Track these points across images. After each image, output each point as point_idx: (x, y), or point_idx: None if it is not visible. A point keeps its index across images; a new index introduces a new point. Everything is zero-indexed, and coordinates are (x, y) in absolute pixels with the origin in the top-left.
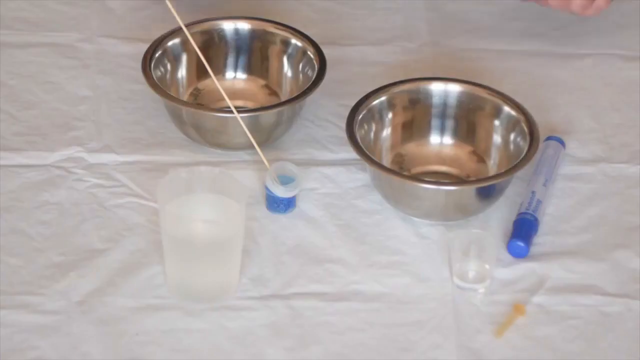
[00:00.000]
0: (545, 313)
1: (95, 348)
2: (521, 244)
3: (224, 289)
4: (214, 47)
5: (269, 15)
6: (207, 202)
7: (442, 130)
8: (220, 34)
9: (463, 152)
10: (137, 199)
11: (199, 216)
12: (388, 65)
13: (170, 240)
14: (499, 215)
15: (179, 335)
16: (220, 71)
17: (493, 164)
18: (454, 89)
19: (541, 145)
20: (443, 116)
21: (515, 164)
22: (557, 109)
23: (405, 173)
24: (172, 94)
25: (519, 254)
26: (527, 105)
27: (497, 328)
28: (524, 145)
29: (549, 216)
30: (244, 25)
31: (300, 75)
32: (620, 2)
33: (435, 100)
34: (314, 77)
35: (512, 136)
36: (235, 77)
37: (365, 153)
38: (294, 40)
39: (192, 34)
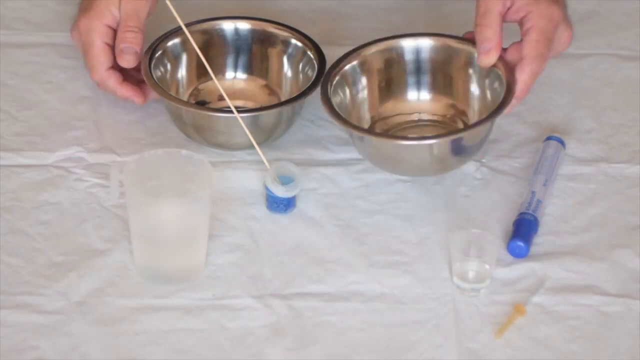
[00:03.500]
0: (545, 313)
1: (95, 348)
2: (521, 244)
3: (189, 273)
4: (214, 47)
5: (269, 15)
6: (174, 188)
7: (418, 86)
8: (220, 34)
9: (442, 105)
10: None
11: (164, 206)
12: None
13: (137, 225)
14: (499, 215)
15: (179, 335)
16: (220, 71)
17: (473, 114)
18: (425, 43)
19: (541, 144)
20: (418, 72)
21: (492, 111)
22: (557, 109)
23: (384, 132)
24: (172, 94)
25: (519, 254)
26: (527, 105)
27: (497, 328)
28: (502, 91)
29: (549, 216)
30: (244, 25)
31: (300, 75)
32: (620, 2)
33: (408, 57)
34: (314, 77)
35: (487, 82)
36: (235, 77)
37: (345, 119)
38: (294, 40)
39: (192, 34)
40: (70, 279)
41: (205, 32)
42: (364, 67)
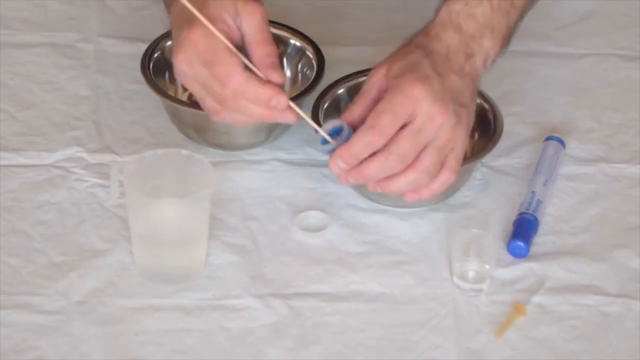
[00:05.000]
0: (545, 313)
1: (95, 348)
2: (521, 244)
3: (189, 273)
4: None
5: (269, 15)
6: (174, 188)
7: None
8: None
9: None
10: None
11: (164, 206)
12: None
13: (137, 225)
14: (499, 215)
15: (179, 335)
16: None
17: None
18: None
19: (541, 144)
20: None
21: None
22: (557, 109)
23: None
24: (171, 94)
25: (519, 254)
26: (527, 105)
27: (497, 328)
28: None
29: (549, 216)
30: None
31: (300, 75)
32: (620, 2)
33: None
34: (313, 77)
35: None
36: None
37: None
38: (292, 40)
39: None
40: (70, 279)
41: None
42: (356, 93)
